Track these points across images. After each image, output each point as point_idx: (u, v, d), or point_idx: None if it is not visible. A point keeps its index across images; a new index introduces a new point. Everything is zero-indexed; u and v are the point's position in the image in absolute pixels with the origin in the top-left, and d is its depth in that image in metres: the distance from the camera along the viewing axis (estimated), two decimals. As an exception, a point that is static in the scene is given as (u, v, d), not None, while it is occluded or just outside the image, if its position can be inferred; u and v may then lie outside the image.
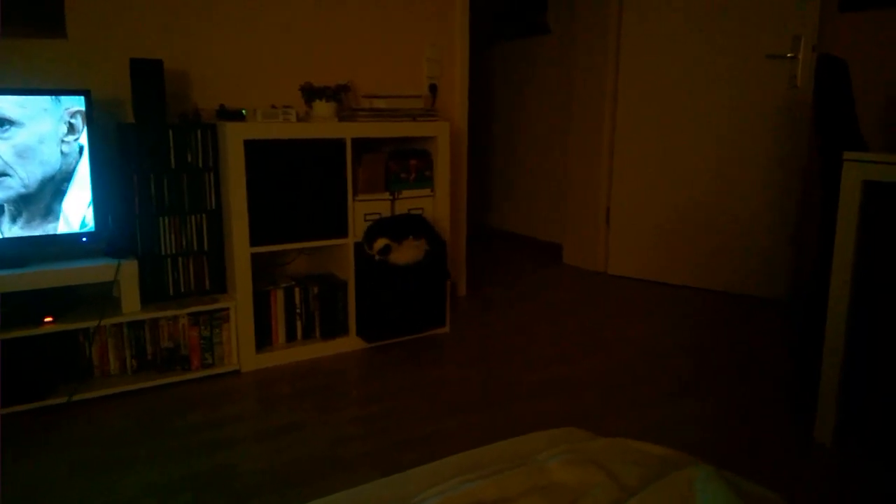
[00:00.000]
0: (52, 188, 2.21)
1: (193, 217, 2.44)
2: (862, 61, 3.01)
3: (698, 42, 3.41)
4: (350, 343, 2.71)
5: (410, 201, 2.78)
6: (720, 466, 1.02)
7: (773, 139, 3.28)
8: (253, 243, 2.44)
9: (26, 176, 2.17)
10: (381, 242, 2.55)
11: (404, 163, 2.76)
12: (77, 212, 2.26)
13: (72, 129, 2.21)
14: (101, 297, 2.42)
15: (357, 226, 2.64)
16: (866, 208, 1.84)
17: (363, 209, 2.66)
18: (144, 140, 2.32)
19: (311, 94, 2.62)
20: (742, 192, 3.39)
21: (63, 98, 2.19)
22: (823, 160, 2.22)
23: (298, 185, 2.50)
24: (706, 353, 2.65)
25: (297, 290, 2.60)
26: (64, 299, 2.38)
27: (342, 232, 2.62)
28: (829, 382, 1.90)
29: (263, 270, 2.77)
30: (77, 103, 2.21)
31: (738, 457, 1.88)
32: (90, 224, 2.28)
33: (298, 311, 2.62)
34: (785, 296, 3.33)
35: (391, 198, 2.73)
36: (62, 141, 2.21)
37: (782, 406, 2.18)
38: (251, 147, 2.39)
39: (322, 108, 2.61)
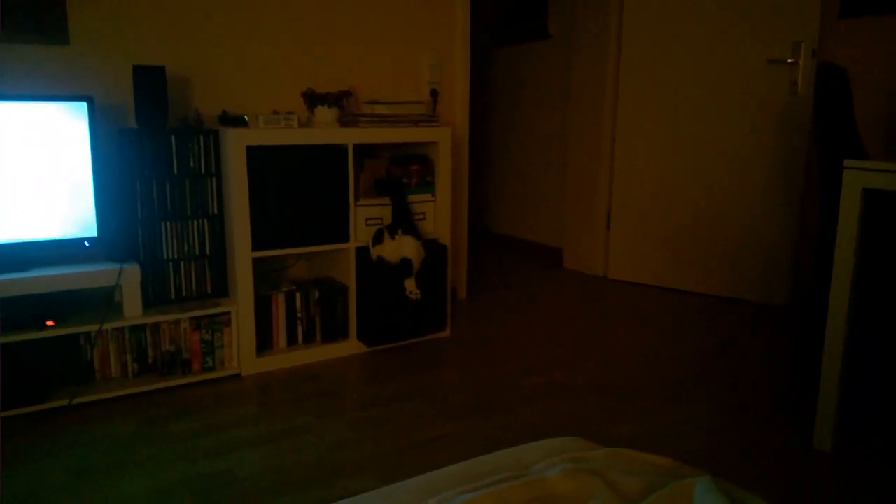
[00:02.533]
0: (56, 193, 2.22)
1: (195, 222, 2.45)
2: (862, 67, 3.02)
3: (699, 46, 3.42)
4: (350, 347, 2.71)
5: (412, 206, 2.79)
6: (718, 474, 1.02)
7: (773, 144, 3.29)
8: (255, 248, 2.45)
9: (29, 180, 2.18)
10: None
11: (406, 168, 2.77)
12: (80, 216, 2.27)
13: (74, 134, 2.22)
14: (103, 301, 2.43)
15: (358, 231, 2.65)
16: (866, 216, 1.84)
17: (364, 214, 2.66)
18: (147, 145, 2.33)
19: (313, 99, 2.63)
20: (742, 197, 3.40)
21: (66, 104, 2.20)
22: (824, 168, 2.23)
23: (300, 190, 2.51)
24: (705, 359, 2.65)
25: (298, 294, 2.60)
26: (66, 303, 2.39)
27: (343, 237, 2.63)
28: (829, 389, 1.90)
29: (264, 275, 2.78)
30: (80, 109, 2.22)
31: (737, 464, 1.88)
32: (93, 229, 2.29)
33: (299, 315, 2.63)
34: (785, 302, 3.33)
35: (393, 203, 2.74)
36: (65, 146, 2.22)
37: (782, 413, 2.19)
38: (253, 152, 2.40)
39: (324, 113, 2.62)
